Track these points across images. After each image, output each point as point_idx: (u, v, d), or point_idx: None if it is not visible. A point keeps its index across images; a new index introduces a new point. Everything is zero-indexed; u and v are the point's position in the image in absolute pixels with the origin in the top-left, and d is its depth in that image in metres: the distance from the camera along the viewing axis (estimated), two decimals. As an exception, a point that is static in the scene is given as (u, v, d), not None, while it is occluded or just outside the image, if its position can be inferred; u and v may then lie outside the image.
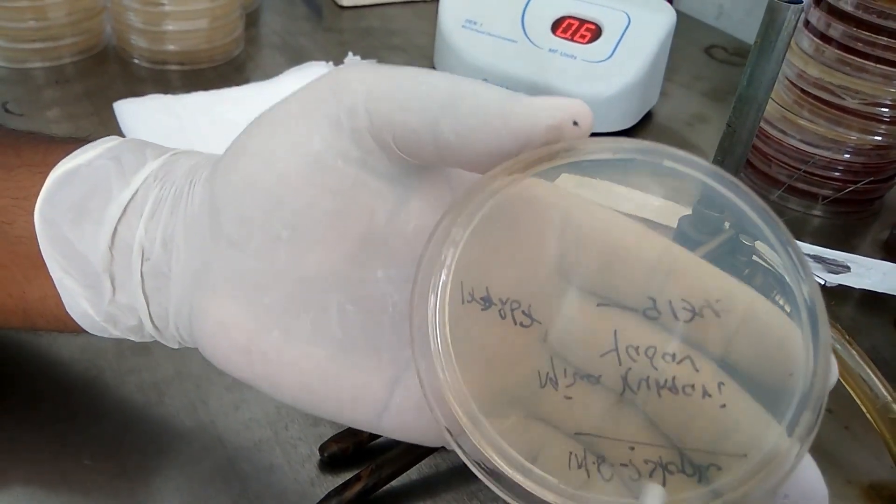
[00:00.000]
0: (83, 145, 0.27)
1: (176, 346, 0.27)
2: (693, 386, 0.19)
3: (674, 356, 0.19)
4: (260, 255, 0.23)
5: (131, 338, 0.27)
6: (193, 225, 0.24)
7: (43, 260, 0.26)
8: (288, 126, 0.22)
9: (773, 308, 0.19)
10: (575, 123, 0.19)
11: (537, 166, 0.20)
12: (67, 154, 0.26)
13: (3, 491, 0.30)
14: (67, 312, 0.26)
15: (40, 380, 0.34)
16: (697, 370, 0.19)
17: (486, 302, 0.21)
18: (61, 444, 0.31)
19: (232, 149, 0.23)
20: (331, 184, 0.22)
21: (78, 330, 0.27)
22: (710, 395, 0.19)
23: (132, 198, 0.25)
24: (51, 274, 0.26)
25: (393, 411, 0.24)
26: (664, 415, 0.20)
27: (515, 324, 0.21)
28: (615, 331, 0.20)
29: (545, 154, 0.20)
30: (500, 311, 0.21)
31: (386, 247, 0.23)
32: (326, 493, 0.30)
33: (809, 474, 0.19)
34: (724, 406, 0.19)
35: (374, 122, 0.21)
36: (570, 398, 0.21)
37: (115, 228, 0.25)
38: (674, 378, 0.19)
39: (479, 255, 0.21)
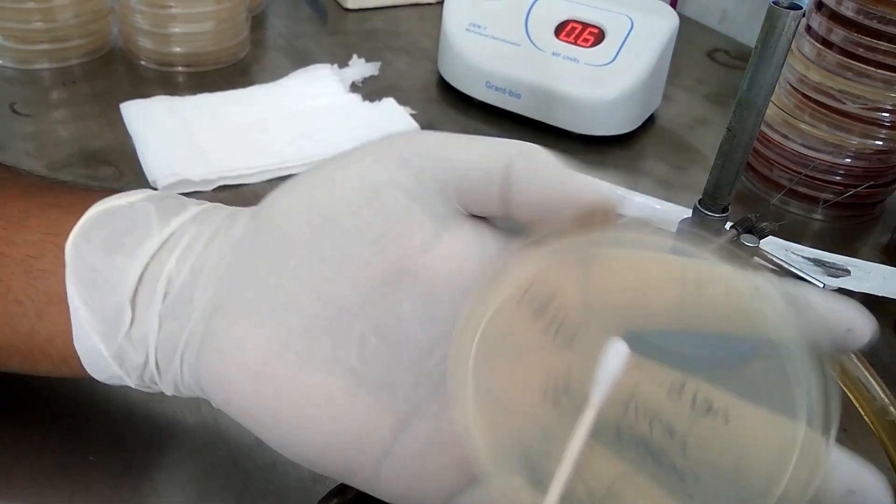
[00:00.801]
0: (120, 193, 0.27)
1: (170, 393, 0.26)
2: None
3: (672, 433, 0.21)
4: (296, 273, 0.23)
5: (130, 382, 0.27)
6: (227, 252, 0.25)
7: (60, 295, 0.26)
8: (355, 159, 0.24)
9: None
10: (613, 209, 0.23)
11: (567, 240, 0.22)
12: (105, 198, 0.27)
13: (7, 486, 0.30)
14: (73, 351, 0.26)
15: (45, 376, 0.34)
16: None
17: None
18: (66, 440, 0.32)
19: (294, 178, 0.25)
20: (383, 209, 0.23)
21: (80, 373, 0.27)
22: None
23: (170, 236, 0.26)
24: (69, 304, 0.26)
25: (395, 457, 0.23)
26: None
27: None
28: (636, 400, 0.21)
29: (575, 233, 0.22)
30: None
31: (416, 279, 0.23)
32: (328, 490, 0.30)
33: (869, 472, 0.21)
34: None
35: (442, 165, 0.23)
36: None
37: (147, 264, 0.25)
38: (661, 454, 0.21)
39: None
